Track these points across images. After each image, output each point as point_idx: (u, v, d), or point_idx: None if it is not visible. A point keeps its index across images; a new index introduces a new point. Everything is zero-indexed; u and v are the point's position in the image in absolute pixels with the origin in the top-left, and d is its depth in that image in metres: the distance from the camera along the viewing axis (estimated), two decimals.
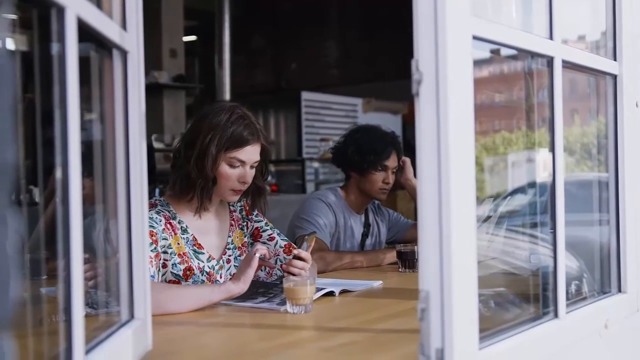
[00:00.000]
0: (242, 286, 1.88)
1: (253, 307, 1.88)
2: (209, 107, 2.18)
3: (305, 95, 7.60)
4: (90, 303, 1.28)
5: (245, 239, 2.29)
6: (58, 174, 0.95)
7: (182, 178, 2.10)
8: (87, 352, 1.02)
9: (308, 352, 1.49)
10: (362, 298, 2.08)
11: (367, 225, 3.05)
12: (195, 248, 2.12)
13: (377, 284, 2.27)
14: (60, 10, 0.91)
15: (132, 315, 1.30)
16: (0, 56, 0.58)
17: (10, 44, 0.60)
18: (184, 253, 2.08)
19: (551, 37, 1.44)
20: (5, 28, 0.60)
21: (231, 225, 2.26)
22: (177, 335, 1.64)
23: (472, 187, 1.16)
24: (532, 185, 1.93)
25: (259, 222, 2.32)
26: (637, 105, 1.77)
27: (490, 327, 1.28)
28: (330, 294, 2.04)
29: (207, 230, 2.19)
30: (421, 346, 1.13)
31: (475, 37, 1.18)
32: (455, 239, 1.11)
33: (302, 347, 1.54)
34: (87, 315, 1.00)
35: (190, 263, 2.08)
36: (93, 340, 1.10)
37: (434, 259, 1.11)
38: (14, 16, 0.85)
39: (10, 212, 0.57)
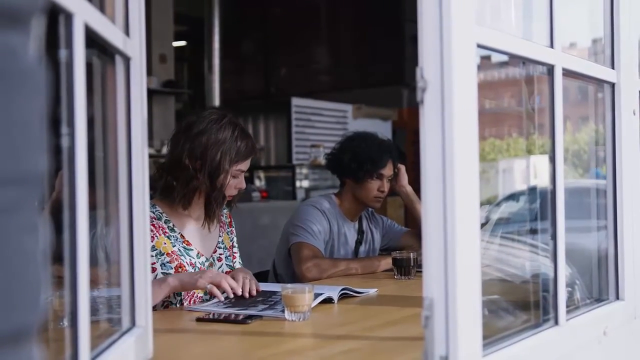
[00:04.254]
0: (177, 284, 1.97)
1: (256, 315, 1.85)
2: (204, 118, 2.16)
3: (295, 101, 7.57)
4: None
5: (231, 243, 2.36)
6: (64, 179, 0.94)
7: (191, 191, 2.14)
8: None
9: None
10: (359, 305, 2.07)
11: (360, 232, 3.03)
12: (185, 245, 2.17)
13: (372, 291, 2.26)
14: (69, 17, 0.90)
15: (133, 323, 1.29)
16: (31, 66, 0.57)
17: (40, 53, 0.59)
18: (172, 251, 2.12)
19: (552, 45, 1.45)
20: (38, 38, 0.59)
21: (220, 226, 2.33)
22: (178, 343, 1.63)
23: (476, 194, 1.16)
24: (525, 192, 1.94)
25: (233, 236, 2.39)
26: (634, 113, 1.78)
27: (493, 335, 1.28)
28: (329, 300, 2.03)
29: (197, 230, 2.23)
30: (425, 353, 1.12)
31: (479, 45, 1.19)
32: (460, 246, 1.11)
33: (303, 355, 1.53)
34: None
35: (180, 260, 2.12)
36: (96, 348, 1.09)
37: (438, 267, 1.11)
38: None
39: (41, 221, 0.56)
